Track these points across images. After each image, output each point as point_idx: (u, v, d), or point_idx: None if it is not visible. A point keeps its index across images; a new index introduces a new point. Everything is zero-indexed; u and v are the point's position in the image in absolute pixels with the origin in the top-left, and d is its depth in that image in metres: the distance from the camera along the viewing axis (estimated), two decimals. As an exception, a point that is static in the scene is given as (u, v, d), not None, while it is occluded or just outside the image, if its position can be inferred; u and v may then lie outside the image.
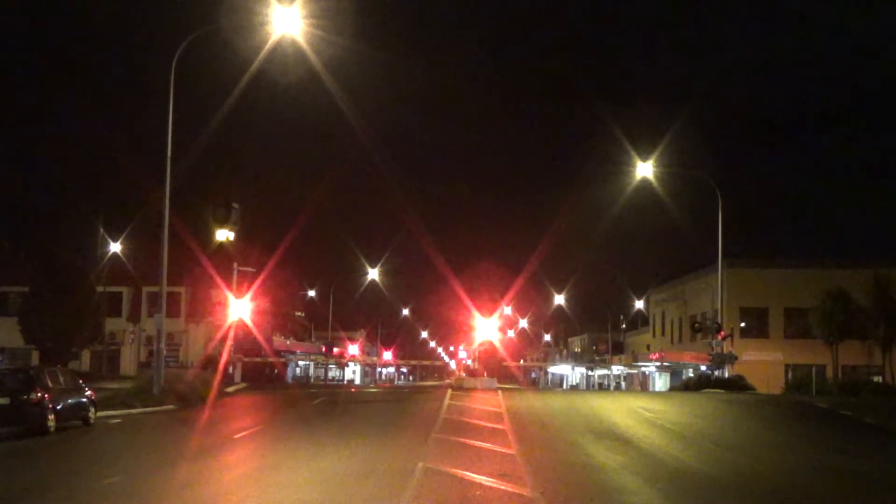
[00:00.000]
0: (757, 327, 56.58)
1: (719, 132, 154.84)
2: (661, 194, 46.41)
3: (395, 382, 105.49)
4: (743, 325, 55.95)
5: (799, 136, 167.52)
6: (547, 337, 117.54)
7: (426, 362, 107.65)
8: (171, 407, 28.99)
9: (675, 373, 63.64)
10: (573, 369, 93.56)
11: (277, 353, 69.48)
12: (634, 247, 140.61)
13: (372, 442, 18.54)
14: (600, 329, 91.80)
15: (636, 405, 28.25)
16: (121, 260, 55.74)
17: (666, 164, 44.59)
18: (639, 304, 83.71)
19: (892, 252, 65.33)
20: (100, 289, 50.69)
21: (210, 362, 45.59)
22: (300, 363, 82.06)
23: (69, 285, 45.01)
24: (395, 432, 20.74)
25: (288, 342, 76.18)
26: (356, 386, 74.94)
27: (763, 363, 51.91)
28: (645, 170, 43.69)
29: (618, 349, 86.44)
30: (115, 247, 55.05)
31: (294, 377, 77.48)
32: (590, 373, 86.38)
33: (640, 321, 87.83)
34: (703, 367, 49.69)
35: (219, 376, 38.87)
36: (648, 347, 74.04)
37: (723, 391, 38.68)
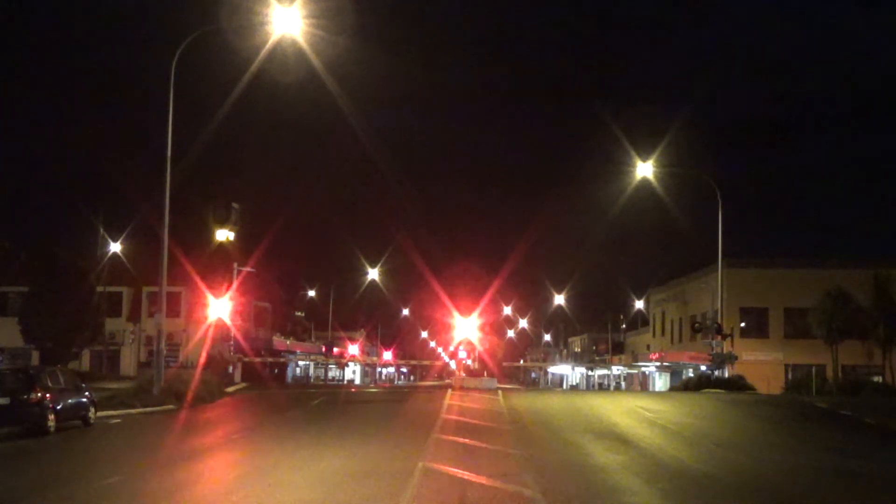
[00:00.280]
0: (757, 327, 56.50)
1: (719, 132, 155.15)
2: (661, 194, 46.40)
3: (395, 382, 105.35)
4: (743, 325, 55.87)
5: (799, 136, 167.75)
6: (547, 337, 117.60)
7: (426, 362, 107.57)
8: (170, 407, 28.96)
9: (675, 373, 63.59)
10: (573, 369, 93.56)
11: (277, 353, 69.49)
12: (634, 247, 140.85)
13: (372, 442, 18.53)
14: (600, 329, 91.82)
15: (636, 405, 28.26)
16: (121, 260, 55.74)
17: (666, 164, 44.59)
18: (639, 304, 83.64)
19: (892, 252, 65.59)
20: (100, 289, 50.71)
21: (210, 362, 45.57)
22: (300, 363, 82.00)
23: (69, 285, 45.04)
24: (394, 432, 20.76)
25: (288, 342, 76.18)
26: (356, 386, 74.92)
27: (763, 363, 51.96)
28: (645, 170, 43.66)
29: (618, 349, 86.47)
30: (115, 247, 55.09)
31: (294, 377, 77.40)
32: (590, 373, 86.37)
33: (640, 321, 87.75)
34: (703, 367, 49.68)
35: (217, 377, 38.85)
36: (648, 347, 74.07)
37: (723, 391, 38.67)
